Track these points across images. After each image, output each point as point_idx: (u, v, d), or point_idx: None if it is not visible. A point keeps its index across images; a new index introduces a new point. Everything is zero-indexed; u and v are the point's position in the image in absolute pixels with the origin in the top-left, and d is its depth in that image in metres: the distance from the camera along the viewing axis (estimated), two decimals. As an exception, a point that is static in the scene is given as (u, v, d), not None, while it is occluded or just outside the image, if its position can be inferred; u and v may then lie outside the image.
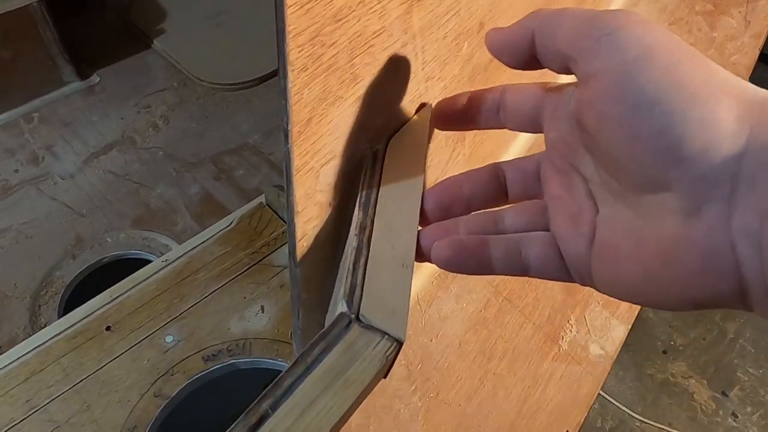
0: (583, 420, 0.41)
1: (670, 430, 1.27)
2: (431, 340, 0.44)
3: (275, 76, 1.18)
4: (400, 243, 0.27)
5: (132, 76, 1.17)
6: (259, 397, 0.22)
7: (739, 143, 0.17)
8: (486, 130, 0.30)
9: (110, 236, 0.93)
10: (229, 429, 0.21)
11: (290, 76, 0.23)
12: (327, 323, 0.33)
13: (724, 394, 1.32)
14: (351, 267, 0.26)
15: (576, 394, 0.43)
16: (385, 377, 0.26)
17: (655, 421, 1.28)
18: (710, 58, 0.19)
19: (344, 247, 0.30)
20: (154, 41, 1.21)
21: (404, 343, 0.24)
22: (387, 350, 0.24)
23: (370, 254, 0.26)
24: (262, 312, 0.58)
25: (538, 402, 0.42)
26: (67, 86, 1.12)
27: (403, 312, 0.25)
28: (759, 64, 0.68)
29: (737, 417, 1.29)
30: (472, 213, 0.27)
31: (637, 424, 1.28)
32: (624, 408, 1.29)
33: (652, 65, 0.18)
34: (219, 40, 1.24)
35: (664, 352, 1.37)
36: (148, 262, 0.63)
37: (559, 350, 0.44)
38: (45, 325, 0.82)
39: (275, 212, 0.66)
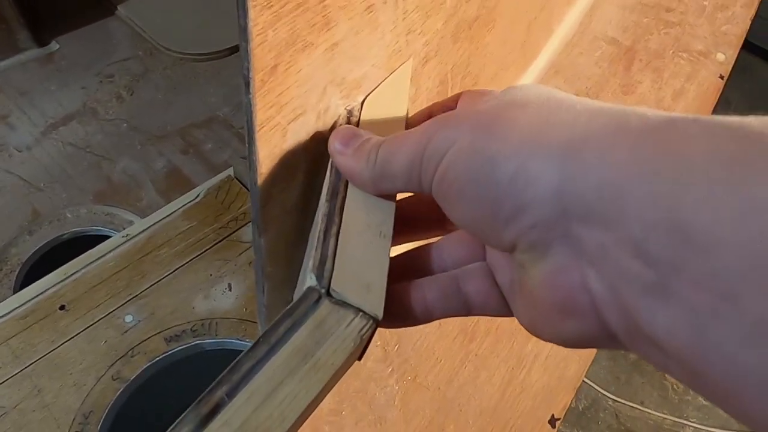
0: (569, 403, 0.39)
1: (642, 408, 1.28)
2: (409, 319, 0.41)
3: (246, 46, 1.13)
4: (376, 209, 0.24)
5: (94, 44, 1.11)
6: (213, 383, 0.19)
7: (553, 184, 0.17)
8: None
9: (70, 211, 0.88)
10: (177, 420, 0.18)
11: (251, 13, 0.20)
12: (295, 298, 0.30)
13: (694, 373, 1.34)
14: (321, 236, 0.23)
15: (562, 375, 0.41)
16: (359, 359, 0.23)
17: (628, 400, 1.29)
18: (701, 27, 0.17)
19: (314, 216, 0.27)
20: (118, 7, 1.15)
21: (380, 321, 0.22)
22: (362, 329, 0.21)
23: (342, 222, 0.23)
24: (230, 290, 0.55)
25: (523, 384, 0.40)
26: (23, 53, 1.06)
27: (379, 286, 0.22)
28: (743, 52, 0.66)
29: (707, 395, 1.31)
30: (405, 252, 0.26)
31: (610, 403, 1.29)
32: (597, 387, 1.29)
33: (463, 160, 0.19)
34: (187, 7, 1.18)
35: (638, 332, 1.38)
36: (110, 238, 0.60)
37: (545, 329, 0.42)
38: (-1, 305, 0.77)
39: (244, 185, 0.62)
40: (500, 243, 0.19)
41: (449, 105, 0.26)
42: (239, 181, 0.63)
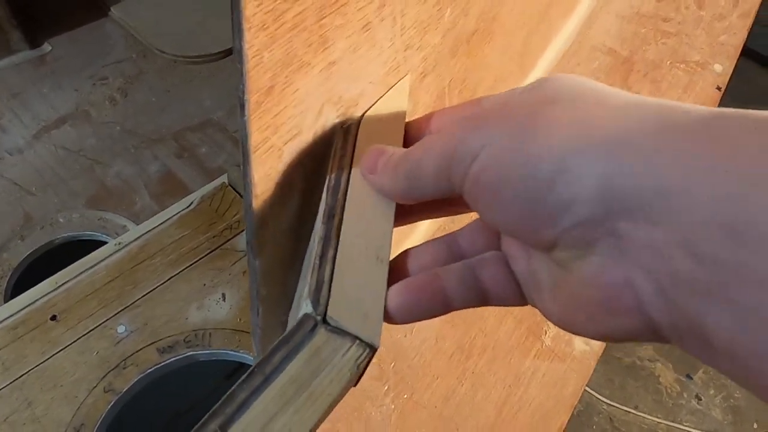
0: (567, 421, 0.39)
1: (636, 412, 1.28)
2: (405, 336, 0.41)
3: (241, 49, 1.12)
4: (374, 233, 0.24)
5: (87, 46, 1.10)
6: (206, 416, 0.19)
7: (597, 182, 0.16)
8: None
9: (62, 216, 0.87)
10: (169, 455, 0.18)
11: (247, 35, 0.20)
12: (290, 321, 0.29)
13: (688, 377, 1.34)
14: (317, 261, 0.22)
15: (560, 393, 0.40)
16: (354, 386, 0.23)
17: (622, 404, 1.29)
18: (698, 37, 0.17)
19: (309, 237, 0.27)
20: (112, 9, 1.14)
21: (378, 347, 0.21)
22: (358, 358, 0.21)
23: (339, 245, 0.23)
24: (223, 300, 0.54)
25: (520, 402, 0.40)
26: (16, 54, 1.05)
27: (377, 313, 0.22)
28: (744, 59, 0.66)
29: (701, 399, 1.31)
30: (423, 243, 0.25)
31: (604, 407, 1.29)
32: (591, 391, 1.30)
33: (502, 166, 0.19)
34: (182, 9, 1.17)
35: (632, 336, 1.38)
36: (104, 244, 0.59)
37: (542, 346, 0.42)
38: (-10, 311, 0.76)
39: (239, 193, 0.62)
40: (539, 242, 0.19)
41: (422, 123, 0.27)
42: (233, 188, 0.62)
